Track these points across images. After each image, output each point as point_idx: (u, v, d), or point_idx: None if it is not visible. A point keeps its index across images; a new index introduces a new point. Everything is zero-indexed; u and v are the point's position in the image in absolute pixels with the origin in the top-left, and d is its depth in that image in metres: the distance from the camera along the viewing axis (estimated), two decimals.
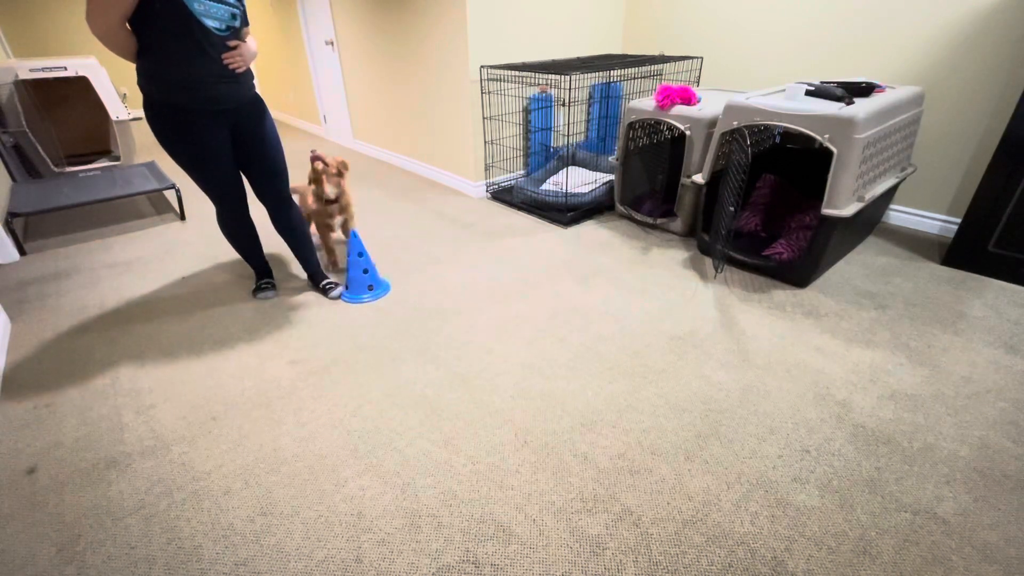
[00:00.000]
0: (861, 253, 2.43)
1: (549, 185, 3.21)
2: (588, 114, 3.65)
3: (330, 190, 2.26)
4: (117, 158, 4.01)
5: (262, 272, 2.25)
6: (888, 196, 2.47)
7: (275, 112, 6.68)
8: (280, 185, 2.01)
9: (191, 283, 2.37)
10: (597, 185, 3.06)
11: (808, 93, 2.05)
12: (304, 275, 2.42)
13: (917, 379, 1.62)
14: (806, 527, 1.18)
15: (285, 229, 2.13)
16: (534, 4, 3.10)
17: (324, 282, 2.22)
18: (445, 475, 1.34)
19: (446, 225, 2.95)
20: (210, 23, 1.61)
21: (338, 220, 2.41)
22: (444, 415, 1.54)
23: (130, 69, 6.56)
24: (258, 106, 1.88)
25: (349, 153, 4.72)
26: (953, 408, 1.50)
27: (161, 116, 1.70)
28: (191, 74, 1.64)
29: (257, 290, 2.23)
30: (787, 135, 2.68)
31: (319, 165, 2.19)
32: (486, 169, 3.37)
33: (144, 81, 1.66)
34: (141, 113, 6.68)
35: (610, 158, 3.05)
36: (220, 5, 1.62)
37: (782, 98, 2.09)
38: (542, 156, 3.44)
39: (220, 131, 1.80)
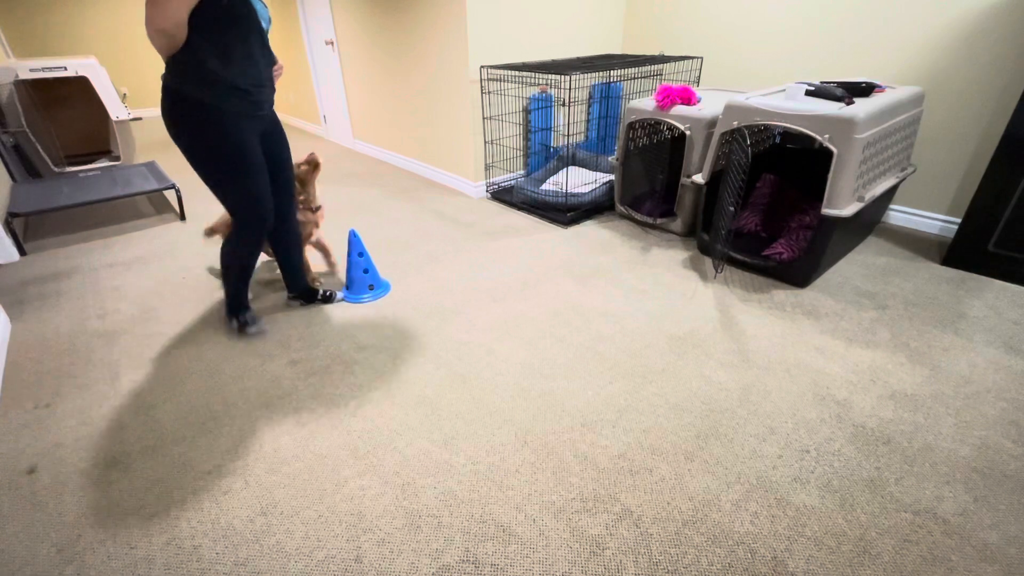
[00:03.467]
0: (861, 253, 2.43)
1: (549, 185, 3.21)
2: (588, 114, 3.65)
3: (318, 195, 2.17)
4: (117, 158, 4.00)
5: (246, 301, 2.00)
6: (888, 196, 2.47)
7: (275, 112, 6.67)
8: (293, 193, 1.95)
9: (191, 283, 2.37)
10: (597, 185, 3.06)
11: (808, 93, 2.05)
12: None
13: (917, 379, 1.62)
14: (806, 527, 1.18)
15: (292, 241, 2.01)
16: (534, 4, 3.10)
17: (321, 292, 2.17)
18: (445, 475, 1.34)
19: (446, 225, 2.95)
20: (264, 25, 1.56)
21: (318, 233, 2.27)
22: (444, 415, 1.54)
23: (131, 69, 6.56)
24: (275, 112, 1.83)
25: (349, 153, 4.72)
26: (953, 408, 1.50)
27: (210, 122, 1.54)
28: (250, 77, 1.56)
29: (251, 323, 1.98)
30: (787, 135, 2.68)
31: (314, 159, 2.10)
32: (486, 169, 3.37)
33: (193, 84, 1.49)
34: (141, 113, 6.68)
35: (610, 158, 3.05)
36: (265, 8, 1.58)
37: (782, 98, 2.09)
38: (542, 156, 3.44)
39: (257, 138, 1.70)
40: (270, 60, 1.66)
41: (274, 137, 1.80)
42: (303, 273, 2.12)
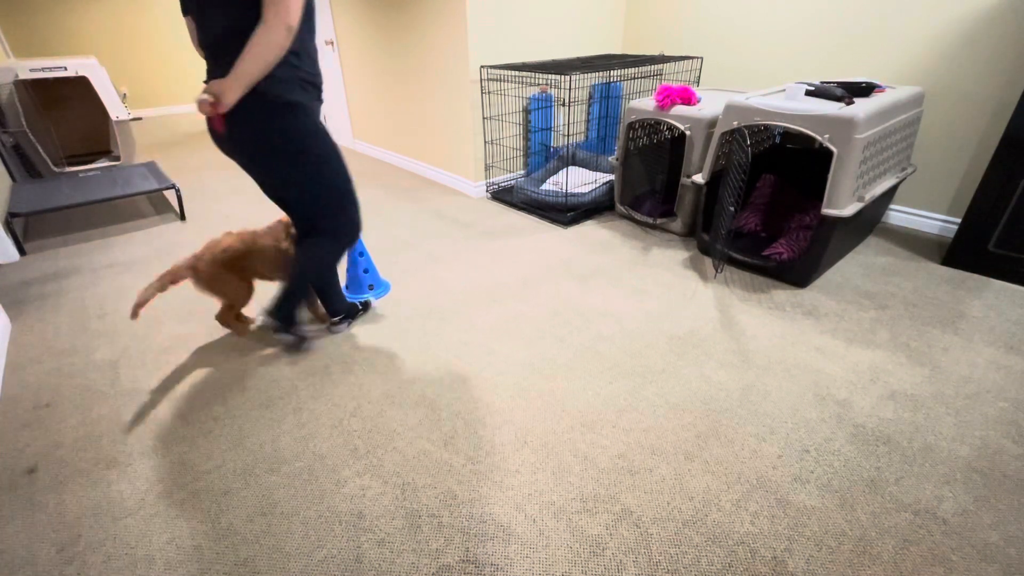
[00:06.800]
0: (861, 253, 2.43)
1: (549, 185, 3.21)
2: (588, 114, 3.65)
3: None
4: (117, 158, 4.01)
5: (349, 306, 1.94)
6: (888, 196, 2.47)
7: None
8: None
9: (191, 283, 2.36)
10: (597, 185, 3.06)
11: (808, 93, 2.05)
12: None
13: (917, 379, 1.62)
14: (806, 527, 1.18)
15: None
16: (534, 4, 3.10)
17: (360, 303, 2.05)
18: (445, 475, 1.34)
19: (446, 225, 2.95)
20: None
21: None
22: (444, 415, 1.54)
23: (131, 69, 6.55)
24: None
25: (349, 153, 4.72)
26: (953, 408, 1.50)
27: (313, 127, 1.48)
28: (320, 72, 1.51)
29: (308, 336, 1.89)
30: (787, 135, 2.68)
31: None
32: (486, 169, 3.37)
33: (299, 88, 1.40)
34: (141, 113, 6.68)
35: (610, 158, 3.05)
36: None
37: (782, 98, 2.09)
38: (542, 156, 3.44)
39: None
40: None
41: None
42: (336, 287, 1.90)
